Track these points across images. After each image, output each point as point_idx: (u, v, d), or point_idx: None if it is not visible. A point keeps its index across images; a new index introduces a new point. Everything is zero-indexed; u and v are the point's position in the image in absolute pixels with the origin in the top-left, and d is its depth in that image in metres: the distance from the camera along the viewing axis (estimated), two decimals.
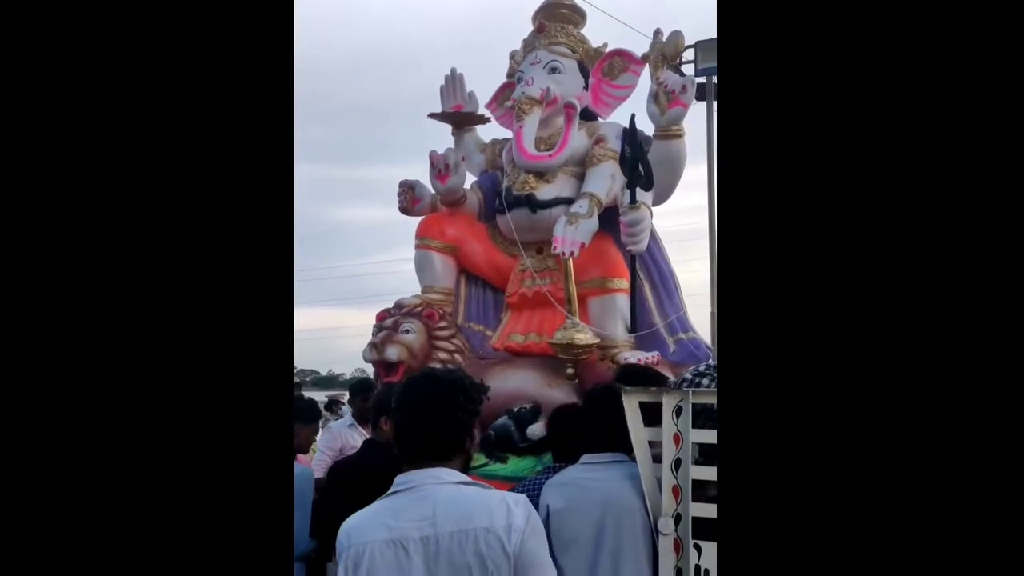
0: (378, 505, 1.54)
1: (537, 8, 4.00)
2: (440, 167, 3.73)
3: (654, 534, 2.14)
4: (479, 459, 3.26)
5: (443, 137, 4.39)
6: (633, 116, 3.22)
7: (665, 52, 3.43)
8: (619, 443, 2.32)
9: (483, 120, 4.05)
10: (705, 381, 2.31)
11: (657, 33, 3.47)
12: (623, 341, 3.43)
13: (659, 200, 3.57)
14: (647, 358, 3.26)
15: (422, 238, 3.83)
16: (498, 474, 3.14)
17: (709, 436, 2.03)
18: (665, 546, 2.12)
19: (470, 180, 4.04)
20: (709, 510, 2.02)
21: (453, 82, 4.16)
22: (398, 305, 3.67)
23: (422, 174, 3.94)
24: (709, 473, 2.04)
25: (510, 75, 4.14)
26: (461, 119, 3.94)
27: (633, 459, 2.32)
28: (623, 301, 3.45)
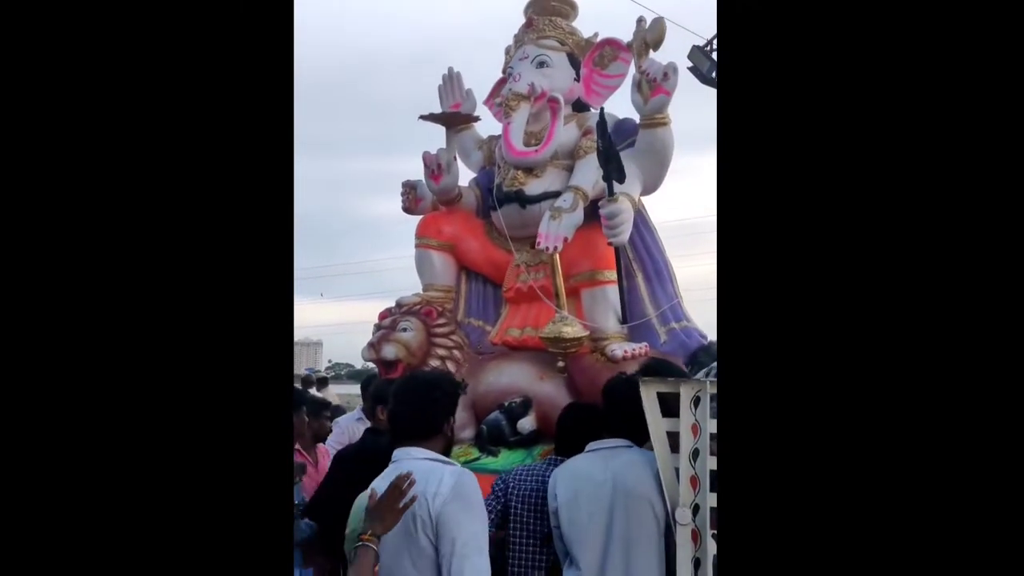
0: (379, 478, 1.92)
1: (528, 2, 4.01)
2: (432, 167, 3.80)
3: (672, 524, 2.17)
4: (472, 453, 3.34)
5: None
6: (602, 108, 3.21)
7: (648, 40, 3.38)
8: (627, 430, 2.35)
9: (473, 119, 4.10)
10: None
11: (640, 21, 3.43)
12: (615, 333, 3.43)
13: (648, 190, 3.54)
14: (635, 349, 3.26)
15: (420, 237, 3.92)
16: (489, 467, 3.22)
17: None
18: (683, 537, 2.15)
19: (469, 176, 4.10)
20: None
21: (451, 81, 4.22)
22: (398, 304, 3.77)
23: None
24: None
25: (504, 71, 4.16)
26: (451, 119, 3.99)
27: (638, 445, 2.35)
28: (613, 293, 3.45)
